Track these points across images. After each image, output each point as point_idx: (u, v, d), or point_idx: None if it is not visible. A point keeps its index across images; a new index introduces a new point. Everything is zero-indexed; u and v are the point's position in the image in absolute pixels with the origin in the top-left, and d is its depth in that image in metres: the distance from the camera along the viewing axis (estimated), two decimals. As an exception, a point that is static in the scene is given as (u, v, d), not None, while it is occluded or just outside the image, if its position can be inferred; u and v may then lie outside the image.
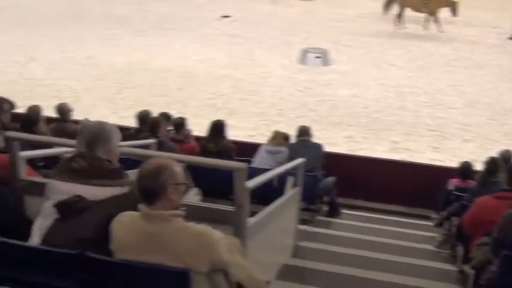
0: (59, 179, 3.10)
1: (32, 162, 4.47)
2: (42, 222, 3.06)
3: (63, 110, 8.17)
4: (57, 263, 2.87)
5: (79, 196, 2.95)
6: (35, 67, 16.03)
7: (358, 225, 7.88)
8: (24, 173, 3.95)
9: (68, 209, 2.92)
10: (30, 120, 6.66)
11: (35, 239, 3.05)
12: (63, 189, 3.05)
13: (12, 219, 3.28)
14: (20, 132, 4.55)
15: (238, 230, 3.40)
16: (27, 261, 2.98)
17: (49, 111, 8.46)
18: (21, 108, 7.85)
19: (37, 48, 17.66)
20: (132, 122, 8.50)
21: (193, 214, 2.98)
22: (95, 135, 3.13)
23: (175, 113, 9.51)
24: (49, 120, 7.80)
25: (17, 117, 7.00)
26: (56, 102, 9.50)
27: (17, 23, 20.90)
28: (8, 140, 4.07)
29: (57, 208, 2.93)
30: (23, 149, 4.13)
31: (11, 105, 6.74)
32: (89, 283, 2.86)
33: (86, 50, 17.66)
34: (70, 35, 19.51)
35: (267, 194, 6.17)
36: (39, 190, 3.28)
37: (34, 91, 13.95)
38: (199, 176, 5.77)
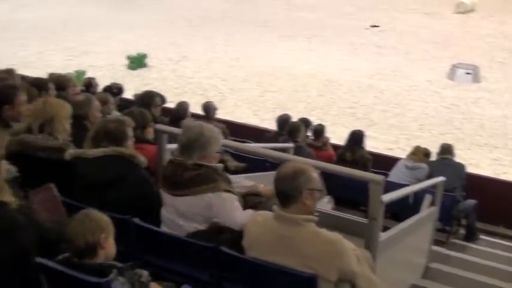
0: (160, 186, 3.29)
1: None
2: (164, 229, 3.27)
3: (209, 108, 8.52)
4: (194, 253, 3.02)
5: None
6: (186, 65, 16.87)
7: (496, 253, 7.42)
8: (170, 164, 4.18)
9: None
10: (179, 115, 7.01)
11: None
12: (163, 196, 3.26)
13: (154, 208, 3.48)
14: (168, 126, 4.81)
15: (369, 243, 3.36)
16: (166, 248, 3.16)
17: (196, 108, 8.87)
18: (171, 103, 8.32)
19: (189, 47, 18.58)
20: (272, 125, 8.68)
21: (325, 221, 2.99)
22: (192, 140, 3.17)
23: (314, 120, 9.57)
24: (195, 116, 8.17)
25: (167, 111, 7.41)
26: (203, 100, 9.96)
27: (172, 22, 22.11)
28: (157, 132, 4.36)
29: None
30: (170, 142, 4.39)
31: (162, 99, 7.14)
32: (221, 277, 2.97)
33: (234, 52, 18.28)
34: (221, 36, 20.29)
35: (401, 210, 6.02)
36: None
37: (183, 88, 14.71)
38: (332, 184, 5.76)
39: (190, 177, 3.13)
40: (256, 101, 14.18)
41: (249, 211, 3.13)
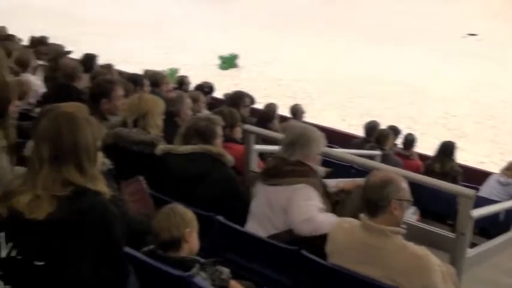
0: (258, 179, 3.44)
1: (262, 156, 4.75)
2: (251, 223, 3.34)
3: (296, 110, 8.53)
4: (275, 255, 3.04)
5: None
6: (276, 67, 16.96)
7: None
8: (256, 165, 4.23)
9: None
10: (267, 116, 7.05)
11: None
12: (258, 189, 3.40)
13: (238, 206, 3.53)
14: (256, 127, 4.85)
15: (455, 259, 3.24)
16: (248, 248, 3.19)
17: (283, 110, 8.92)
18: (259, 104, 8.40)
19: (280, 50, 18.67)
20: (359, 131, 8.57)
21: (410, 233, 2.91)
22: (294, 139, 3.33)
23: (403, 128, 9.37)
24: (282, 118, 8.19)
25: (255, 112, 7.48)
26: (291, 102, 9.99)
27: (265, 24, 22.26)
28: (245, 132, 4.41)
29: None
30: (257, 143, 4.43)
31: (251, 100, 7.21)
32: (302, 281, 2.96)
33: (324, 55, 18.19)
34: (312, 39, 20.26)
35: (490, 226, 5.78)
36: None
37: (272, 89, 14.79)
38: (418, 195, 5.60)
39: (289, 170, 3.29)
40: (344, 106, 14.05)
41: (330, 218, 3.13)
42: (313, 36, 20.68)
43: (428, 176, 6.27)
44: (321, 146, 3.42)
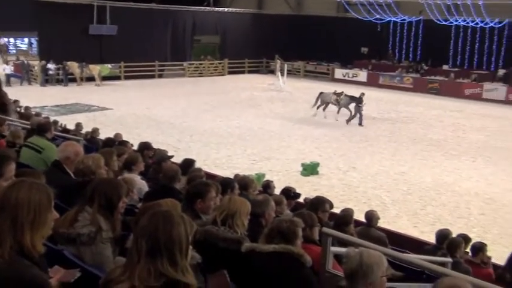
0: None
1: (338, 258, 4.65)
2: None
3: (372, 216, 8.35)
4: None
5: None
6: (354, 175, 16.83)
7: None
8: (331, 266, 4.15)
9: None
10: (344, 221, 6.93)
11: None
12: None
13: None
14: (333, 230, 4.78)
15: None
16: None
17: (359, 216, 8.76)
18: (336, 209, 8.30)
19: (358, 159, 18.60)
20: (431, 238, 8.24)
21: None
22: (354, 271, 3.00)
23: (474, 237, 8.93)
24: (358, 224, 8.02)
25: (332, 216, 7.39)
26: (366, 208, 9.82)
27: (346, 137, 22.39)
28: (323, 235, 4.36)
29: None
30: (333, 245, 4.36)
31: (331, 205, 7.15)
32: None
33: (400, 166, 17.91)
34: (389, 151, 20.07)
35: None
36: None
37: (349, 196, 14.64)
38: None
39: None
40: (417, 214, 13.60)
41: None
42: (391, 149, 20.43)
43: (500, 285, 5.87)
44: (383, 267, 3.07)
